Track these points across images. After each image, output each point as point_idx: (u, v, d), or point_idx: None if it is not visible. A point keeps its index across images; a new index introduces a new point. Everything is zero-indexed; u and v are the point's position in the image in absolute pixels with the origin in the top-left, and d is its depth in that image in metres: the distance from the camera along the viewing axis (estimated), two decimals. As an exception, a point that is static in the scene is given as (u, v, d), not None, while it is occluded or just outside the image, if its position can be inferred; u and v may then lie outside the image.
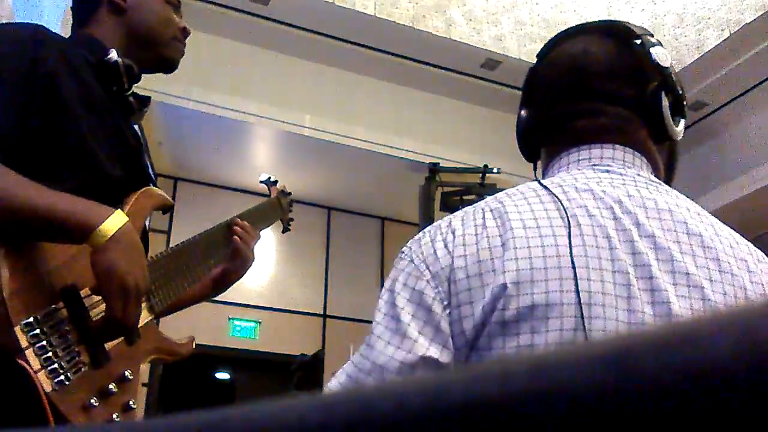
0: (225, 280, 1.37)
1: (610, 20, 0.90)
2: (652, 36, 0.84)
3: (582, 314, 0.66)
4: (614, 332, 0.66)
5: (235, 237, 1.36)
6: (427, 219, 4.53)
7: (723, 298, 0.70)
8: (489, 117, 5.47)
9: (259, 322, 5.68)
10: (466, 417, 0.15)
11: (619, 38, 0.84)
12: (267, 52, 5.01)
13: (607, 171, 0.78)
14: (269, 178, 1.69)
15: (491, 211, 0.74)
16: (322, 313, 5.95)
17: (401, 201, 5.79)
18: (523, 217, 0.72)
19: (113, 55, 1.13)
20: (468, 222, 0.74)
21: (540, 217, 0.72)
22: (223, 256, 1.35)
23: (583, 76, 0.83)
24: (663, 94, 0.80)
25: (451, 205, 4.61)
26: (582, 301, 0.66)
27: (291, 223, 1.71)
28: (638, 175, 0.78)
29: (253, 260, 1.40)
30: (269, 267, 5.86)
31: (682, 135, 0.85)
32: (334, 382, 0.75)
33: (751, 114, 5.48)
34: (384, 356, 0.70)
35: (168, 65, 1.25)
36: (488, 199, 0.78)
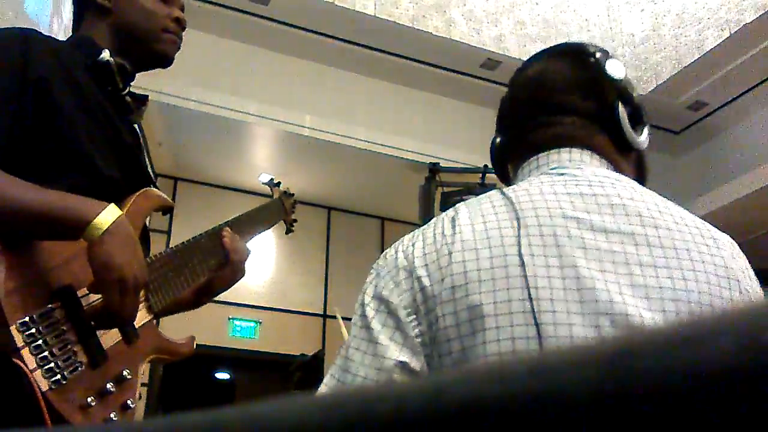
0: (210, 290, 1.31)
1: (567, 42, 0.95)
2: (607, 53, 0.87)
3: (534, 313, 0.67)
4: (565, 330, 0.66)
5: (231, 255, 1.31)
6: (427, 219, 4.53)
7: (679, 285, 0.69)
8: (489, 117, 5.41)
9: (259, 322, 5.68)
10: (466, 417, 0.15)
11: (573, 56, 0.88)
12: (267, 52, 5.01)
13: (562, 174, 0.80)
14: (272, 179, 1.69)
15: (450, 219, 0.77)
16: (322, 313, 5.95)
17: (401, 201, 5.79)
18: (474, 223, 0.75)
19: (105, 54, 1.12)
20: (428, 232, 0.78)
21: (489, 221, 0.74)
22: (221, 258, 1.33)
23: (540, 93, 0.87)
24: (620, 104, 0.83)
25: (451, 205, 4.60)
26: (532, 301, 0.67)
27: (294, 224, 1.70)
28: (593, 174, 0.79)
29: (243, 275, 1.35)
30: (269, 267, 5.86)
31: (646, 144, 0.87)
32: None
33: (751, 114, 5.48)
34: (363, 367, 0.73)
35: (162, 59, 1.21)
36: (449, 209, 0.81)
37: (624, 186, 0.78)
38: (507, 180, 0.94)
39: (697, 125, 5.89)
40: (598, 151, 0.83)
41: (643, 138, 0.86)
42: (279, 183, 1.68)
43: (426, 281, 0.73)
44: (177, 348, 1.18)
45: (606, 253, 0.70)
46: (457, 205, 0.80)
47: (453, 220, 0.77)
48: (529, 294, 0.68)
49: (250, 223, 1.44)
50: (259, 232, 1.49)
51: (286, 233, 1.69)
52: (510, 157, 0.91)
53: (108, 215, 0.93)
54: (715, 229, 0.79)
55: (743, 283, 0.74)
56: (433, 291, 0.72)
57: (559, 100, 0.85)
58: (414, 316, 0.73)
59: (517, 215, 0.73)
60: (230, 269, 1.30)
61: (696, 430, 0.13)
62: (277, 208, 1.61)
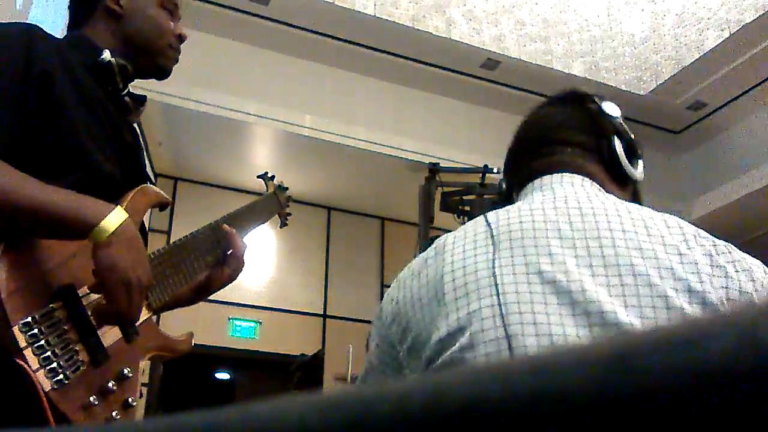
0: (208, 287, 1.30)
1: (570, 89, 1.03)
2: (602, 97, 0.96)
3: (503, 316, 0.73)
4: (533, 341, 0.71)
5: (232, 252, 1.31)
6: (427, 219, 4.53)
7: (643, 290, 0.72)
8: (489, 117, 5.47)
9: (259, 322, 5.68)
10: (467, 418, 0.15)
11: (573, 100, 0.97)
12: (267, 52, 5.01)
13: (543, 194, 0.87)
14: (266, 173, 1.69)
15: (436, 247, 0.86)
16: (322, 313, 5.95)
17: (401, 201, 5.79)
18: (455, 247, 0.83)
19: (106, 55, 1.13)
20: (420, 259, 0.87)
21: (468, 244, 0.82)
22: (218, 254, 1.33)
23: (542, 130, 0.96)
24: (615, 138, 0.91)
25: (451, 205, 4.60)
26: (501, 305, 0.73)
27: (288, 218, 1.71)
28: (574, 192, 0.85)
29: (240, 271, 1.36)
30: (269, 267, 5.86)
31: (642, 177, 0.94)
32: None
33: (751, 114, 5.49)
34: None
35: (161, 73, 1.25)
36: (437, 240, 0.89)
37: (605, 199, 0.83)
38: None
39: (697, 125, 5.89)
40: (591, 177, 0.89)
41: (639, 171, 0.93)
42: (273, 177, 1.68)
43: (415, 303, 0.82)
44: (176, 345, 1.18)
45: (569, 258, 0.75)
46: (446, 235, 0.88)
47: (436, 249, 0.85)
48: (499, 300, 0.74)
49: (245, 218, 1.44)
50: (255, 227, 1.49)
51: (281, 227, 1.69)
52: (514, 185, 0.97)
53: (115, 217, 0.93)
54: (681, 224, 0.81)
55: (702, 269, 0.74)
56: (422, 312, 0.81)
57: (559, 135, 0.93)
58: (405, 345, 0.82)
59: (492, 233, 0.81)
60: (228, 266, 1.30)
61: (696, 430, 0.13)
62: (272, 202, 1.62)
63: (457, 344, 0.73)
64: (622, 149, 0.90)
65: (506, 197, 1.00)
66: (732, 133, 5.68)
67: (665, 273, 0.73)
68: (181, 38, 1.25)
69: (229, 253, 1.31)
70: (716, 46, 4.90)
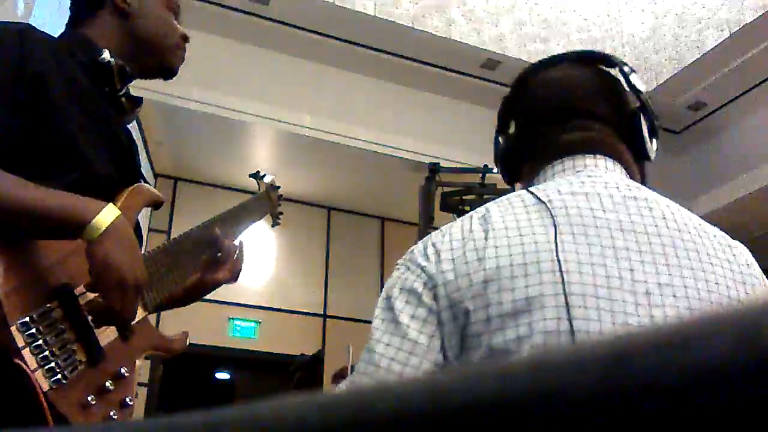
0: (200, 288, 1.30)
1: (588, 50, 0.96)
2: (627, 64, 0.91)
3: (568, 308, 0.68)
4: (597, 329, 0.68)
5: (221, 254, 1.30)
6: (427, 219, 4.53)
7: (703, 291, 0.72)
8: (489, 117, 5.41)
9: (259, 322, 5.67)
10: (466, 417, 0.15)
11: (599, 65, 0.91)
12: (267, 52, 5.01)
13: (589, 176, 0.82)
14: (258, 172, 1.70)
15: (479, 217, 0.79)
16: (322, 313, 5.95)
17: (401, 201, 5.79)
18: (506, 219, 0.76)
19: (106, 55, 1.13)
20: (456, 229, 0.79)
21: (521, 219, 0.76)
22: (211, 255, 1.33)
23: (569, 97, 0.89)
24: (642, 115, 0.87)
25: (451, 205, 4.60)
26: (566, 296, 0.69)
27: (281, 216, 1.71)
28: (620, 178, 0.82)
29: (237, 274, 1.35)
30: (269, 267, 5.86)
31: (654, 155, 0.90)
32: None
33: (751, 114, 5.48)
34: (385, 359, 0.74)
35: (168, 72, 1.25)
36: (478, 208, 0.82)
37: (647, 193, 0.81)
38: (514, 179, 0.94)
39: (697, 125, 5.88)
40: (619, 159, 0.86)
41: (654, 149, 0.89)
42: (264, 175, 1.69)
43: (450, 275, 0.74)
44: (171, 344, 1.18)
45: (634, 253, 0.72)
46: (486, 205, 0.81)
47: (484, 218, 0.78)
48: (564, 289, 0.69)
49: (237, 218, 1.45)
50: (248, 226, 1.50)
51: (273, 226, 1.69)
52: (531, 155, 0.90)
53: (107, 215, 0.93)
54: (730, 237, 0.83)
55: (759, 287, 0.77)
56: (459, 285, 0.73)
57: (588, 106, 0.87)
58: (441, 310, 0.74)
59: (551, 213, 0.75)
60: (220, 269, 1.30)
61: (695, 430, 0.13)
62: (265, 201, 1.62)
63: (514, 333, 0.68)
64: (646, 128, 0.87)
65: (511, 157, 0.93)
66: (732, 133, 5.68)
67: (720, 279, 0.74)
68: (185, 39, 1.27)
69: (218, 256, 1.30)
70: (716, 46, 4.90)
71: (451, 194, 4.68)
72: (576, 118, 0.87)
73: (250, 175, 1.69)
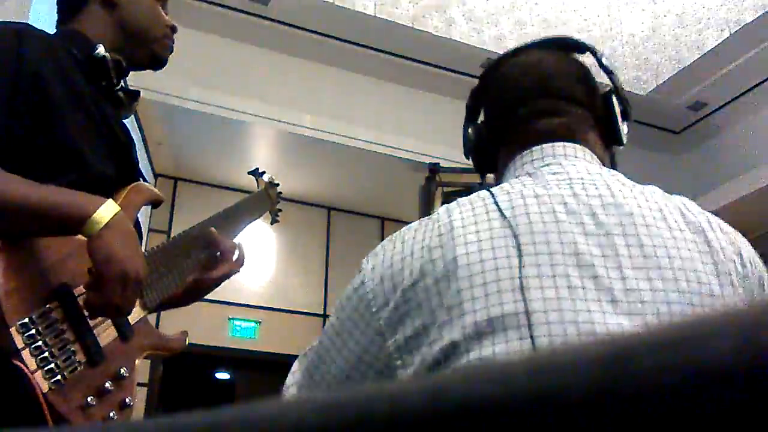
0: (199, 288, 1.31)
1: (559, 36, 0.95)
2: (597, 49, 0.90)
3: (530, 326, 0.65)
4: (560, 339, 0.65)
5: (220, 252, 1.32)
6: (427, 219, 4.52)
7: (672, 293, 0.69)
8: (489, 117, 5.45)
9: (259, 322, 5.67)
10: (466, 418, 0.15)
11: (568, 49, 0.90)
12: (267, 52, 5.01)
13: (555, 173, 0.79)
14: (257, 169, 1.70)
15: (440, 225, 0.75)
16: (322, 313, 5.95)
17: (401, 201, 5.79)
18: (465, 225, 0.73)
19: (101, 50, 1.13)
20: (418, 235, 0.76)
21: (481, 223, 0.73)
22: (209, 254, 1.34)
23: (542, 78, 0.86)
24: (614, 97, 0.85)
25: (451, 205, 4.60)
26: (528, 315, 0.66)
27: (279, 214, 1.71)
28: (586, 171, 0.79)
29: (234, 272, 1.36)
30: (269, 267, 5.86)
31: (625, 141, 0.88)
32: (290, 379, 0.84)
33: (751, 114, 5.48)
34: (338, 359, 0.78)
35: (157, 62, 1.26)
36: (441, 209, 0.79)
37: (614, 182, 0.78)
38: (488, 168, 0.93)
39: (697, 125, 5.88)
40: (589, 146, 0.84)
41: (626, 132, 0.88)
42: (263, 172, 1.69)
43: (408, 279, 0.72)
44: (169, 344, 1.18)
45: (597, 258, 0.70)
46: (448, 206, 0.78)
47: (446, 227, 0.75)
48: (526, 307, 0.66)
49: (237, 216, 1.45)
50: (247, 224, 1.50)
51: (272, 223, 1.70)
52: (504, 142, 0.89)
53: (106, 210, 0.93)
54: (705, 215, 0.79)
55: (735, 274, 0.74)
56: (424, 285, 0.71)
57: (561, 86, 0.85)
58: (388, 309, 0.73)
59: (513, 231, 0.72)
60: (217, 268, 1.31)
61: (695, 430, 0.13)
62: (263, 199, 1.62)
63: (477, 354, 0.66)
64: (619, 111, 0.86)
65: (484, 145, 0.91)
66: (732, 133, 5.68)
67: (691, 276, 0.70)
68: (173, 29, 1.27)
69: (217, 255, 1.31)
70: (716, 46, 4.90)
71: (451, 194, 4.68)
72: (549, 98, 0.85)
73: (249, 172, 1.69)
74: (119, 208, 0.95)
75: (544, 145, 0.83)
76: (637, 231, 0.72)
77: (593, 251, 0.70)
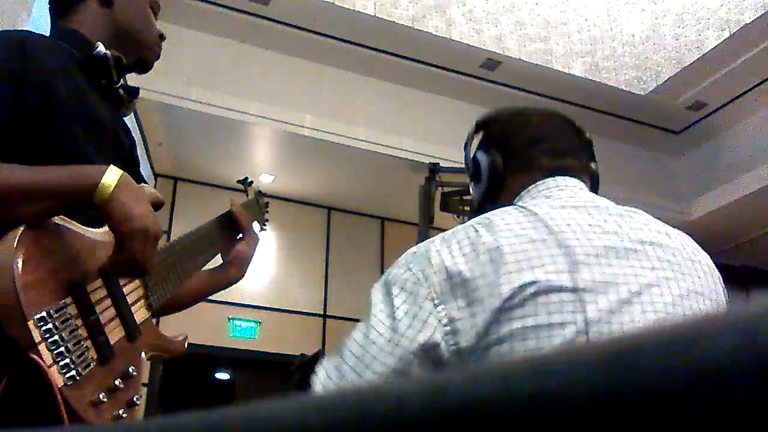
0: (241, 258, 1.40)
1: (557, 111, 1.13)
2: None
3: (587, 325, 0.75)
4: (611, 330, 0.74)
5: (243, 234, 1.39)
6: (427, 219, 4.53)
7: (681, 299, 0.81)
8: (489, 117, 5.45)
9: (259, 322, 5.67)
10: (467, 417, 0.15)
11: (566, 121, 1.09)
12: (267, 52, 5.01)
13: (572, 196, 0.93)
14: (245, 178, 1.72)
15: (481, 225, 0.85)
16: (322, 313, 5.95)
17: (401, 201, 5.79)
18: (511, 226, 0.83)
19: (101, 48, 1.13)
20: (461, 235, 0.85)
21: (525, 227, 0.83)
22: (219, 249, 1.38)
23: (553, 133, 1.04)
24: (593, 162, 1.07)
25: (451, 205, 4.60)
26: (580, 289, 0.76)
27: (267, 223, 1.74)
28: (589, 197, 0.94)
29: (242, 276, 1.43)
30: (269, 267, 5.86)
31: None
32: (330, 368, 0.86)
33: (751, 114, 5.49)
34: (382, 354, 0.81)
35: (143, 66, 1.28)
36: (474, 219, 0.89)
37: (619, 212, 0.91)
38: (494, 195, 1.03)
39: (697, 125, 5.89)
40: (587, 183, 1.02)
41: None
42: (252, 182, 1.71)
43: (467, 274, 0.79)
44: (171, 345, 1.19)
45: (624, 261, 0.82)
46: (486, 215, 0.88)
47: (488, 225, 0.84)
48: (584, 309, 0.76)
49: (230, 224, 1.46)
50: (237, 234, 1.52)
51: (260, 231, 1.71)
52: (514, 173, 1.02)
53: (112, 174, 0.96)
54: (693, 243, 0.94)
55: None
56: (477, 284, 0.78)
57: (566, 143, 1.04)
58: (443, 305, 0.79)
59: (546, 224, 0.83)
60: (227, 271, 1.34)
61: (695, 430, 0.13)
62: (252, 208, 1.63)
63: (533, 344, 0.74)
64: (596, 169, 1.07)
65: (500, 175, 1.03)
66: (732, 133, 5.68)
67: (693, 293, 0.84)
68: (162, 37, 1.31)
69: (239, 237, 1.38)
70: (716, 46, 4.90)
71: (451, 194, 4.68)
72: (556, 146, 1.02)
73: (238, 181, 1.71)
74: (122, 171, 0.97)
75: (556, 177, 0.98)
76: (644, 248, 0.85)
77: (627, 271, 0.81)
